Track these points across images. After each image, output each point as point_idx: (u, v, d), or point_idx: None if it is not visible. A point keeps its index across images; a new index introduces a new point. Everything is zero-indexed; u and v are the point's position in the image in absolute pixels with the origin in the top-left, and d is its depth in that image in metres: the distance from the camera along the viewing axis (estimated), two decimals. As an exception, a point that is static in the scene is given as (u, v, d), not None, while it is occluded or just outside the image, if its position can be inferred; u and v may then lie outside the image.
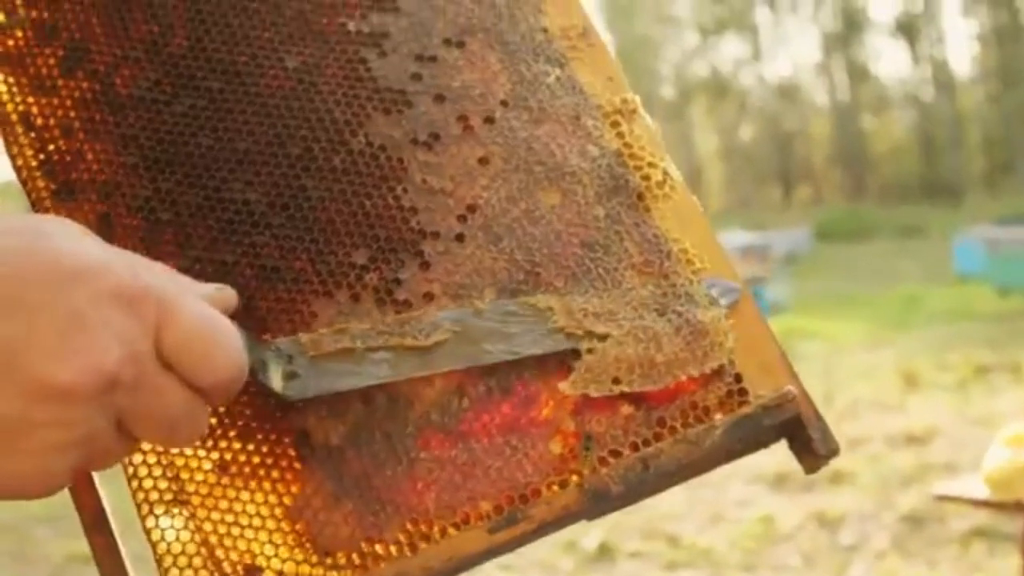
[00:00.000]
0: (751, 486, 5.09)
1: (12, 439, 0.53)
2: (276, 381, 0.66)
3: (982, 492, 3.14)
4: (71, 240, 0.56)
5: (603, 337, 0.71)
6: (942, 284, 11.45)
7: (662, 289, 0.73)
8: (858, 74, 29.34)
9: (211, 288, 0.64)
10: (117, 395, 0.55)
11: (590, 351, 0.71)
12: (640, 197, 0.76)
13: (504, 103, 0.77)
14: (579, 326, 0.71)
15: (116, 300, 0.55)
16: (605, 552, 4.43)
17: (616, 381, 0.71)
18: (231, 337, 0.60)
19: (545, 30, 0.80)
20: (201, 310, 0.59)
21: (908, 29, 28.45)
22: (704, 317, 0.73)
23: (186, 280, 0.62)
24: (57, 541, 5.04)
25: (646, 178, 0.76)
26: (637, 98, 0.79)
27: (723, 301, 0.75)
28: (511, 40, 0.79)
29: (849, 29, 28.72)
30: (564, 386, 0.71)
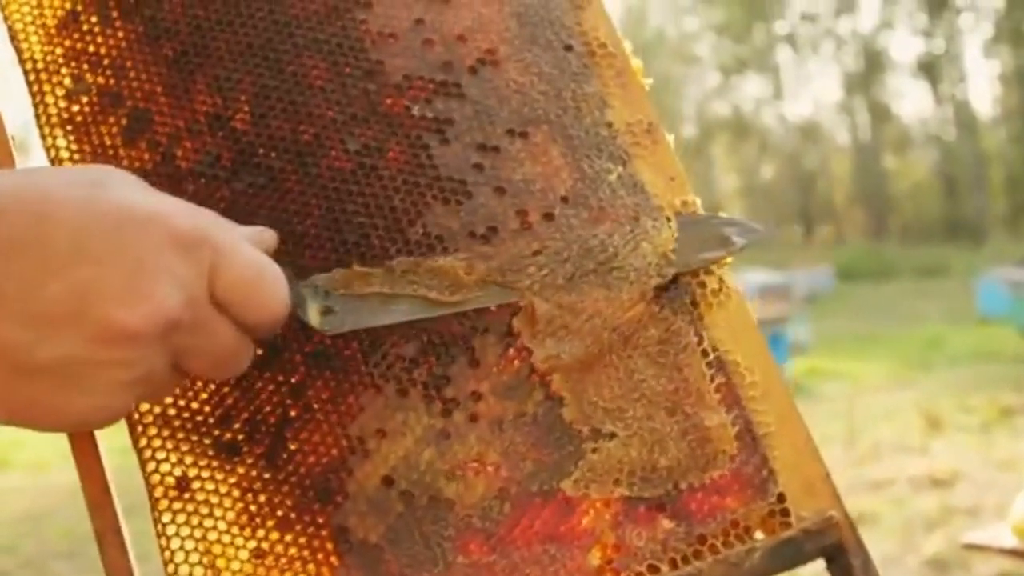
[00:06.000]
0: (773, 526, 5.06)
1: (81, 378, 0.57)
2: (314, 317, 0.69)
3: (1010, 541, 3.12)
4: (130, 190, 0.60)
5: (609, 437, 0.71)
6: (965, 325, 11.30)
7: (675, 384, 0.73)
8: (880, 114, 29.20)
9: (254, 230, 0.68)
10: (176, 336, 0.59)
11: (595, 451, 0.71)
12: (694, 304, 0.75)
13: (564, 199, 0.76)
14: (587, 422, 0.71)
15: (175, 247, 0.59)
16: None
17: (616, 483, 0.71)
18: (278, 279, 0.64)
19: (610, 124, 0.79)
20: (250, 253, 0.63)
21: (930, 69, 28.28)
22: (710, 423, 0.72)
23: (230, 223, 0.65)
24: (76, 576, 5.09)
25: (701, 285, 0.76)
26: (698, 200, 0.78)
27: (739, 241, 0.76)
28: (575, 134, 0.78)
29: (871, 69, 28.59)
30: (566, 485, 0.70)
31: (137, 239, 0.57)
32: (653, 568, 0.69)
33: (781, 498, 0.72)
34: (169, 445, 0.69)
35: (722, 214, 0.78)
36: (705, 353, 0.73)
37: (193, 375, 0.64)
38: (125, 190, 0.59)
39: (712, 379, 0.73)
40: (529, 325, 0.72)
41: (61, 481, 6.88)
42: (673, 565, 0.69)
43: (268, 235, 0.69)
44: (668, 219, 0.76)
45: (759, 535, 0.71)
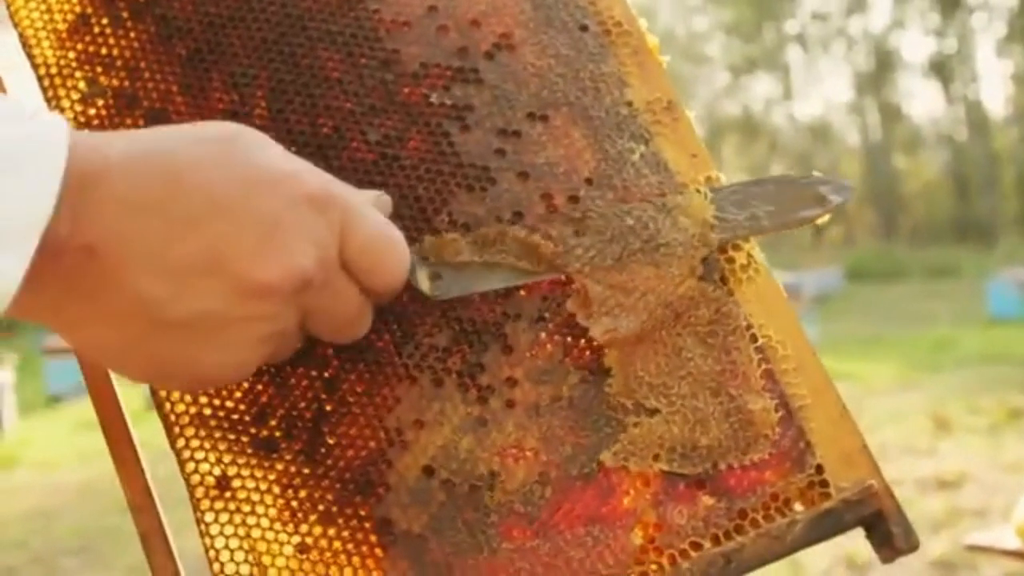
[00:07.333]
0: (778, 528, 5.07)
1: (216, 332, 0.57)
2: (424, 282, 0.69)
3: (1013, 543, 3.11)
4: (264, 149, 0.60)
5: (652, 412, 0.71)
6: (975, 326, 11.25)
7: (721, 365, 0.73)
8: (890, 114, 29.09)
9: (373, 195, 0.68)
10: (307, 295, 0.59)
11: (636, 425, 0.71)
12: (723, 280, 0.75)
13: (589, 181, 0.76)
14: (631, 396, 0.71)
15: (309, 205, 0.58)
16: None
17: (656, 458, 0.71)
18: (401, 244, 0.64)
19: (630, 103, 0.79)
20: (378, 218, 0.63)
21: (941, 69, 28.16)
22: (754, 406, 0.72)
23: (351, 187, 0.65)
24: (85, 572, 5.09)
25: (730, 261, 0.75)
26: (722, 176, 0.78)
27: (835, 199, 0.76)
28: (595, 114, 0.78)
29: (881, 69, 28.48)
30: (606, 456, 0.70)
31: (272, 196, 0.57)
32: (695, 545, 0.69)
33: (819, 469, 0.72)
34: (207, 445, 0.69)
35: (816, 173, 0.78)
36: (754, 338, 0.73)
37: (317, 335, 0.64)
38: (256, 148, 0.59)
39: (759, 364, 0.73)
40: (584, 307, 0.72)
41: (70, 479, 6.91)
42: (716, 541, 0.70)
43: (386, 200, 0.69)
44: (697, 190, 0.76)
45: (799, 507, 0.71)
